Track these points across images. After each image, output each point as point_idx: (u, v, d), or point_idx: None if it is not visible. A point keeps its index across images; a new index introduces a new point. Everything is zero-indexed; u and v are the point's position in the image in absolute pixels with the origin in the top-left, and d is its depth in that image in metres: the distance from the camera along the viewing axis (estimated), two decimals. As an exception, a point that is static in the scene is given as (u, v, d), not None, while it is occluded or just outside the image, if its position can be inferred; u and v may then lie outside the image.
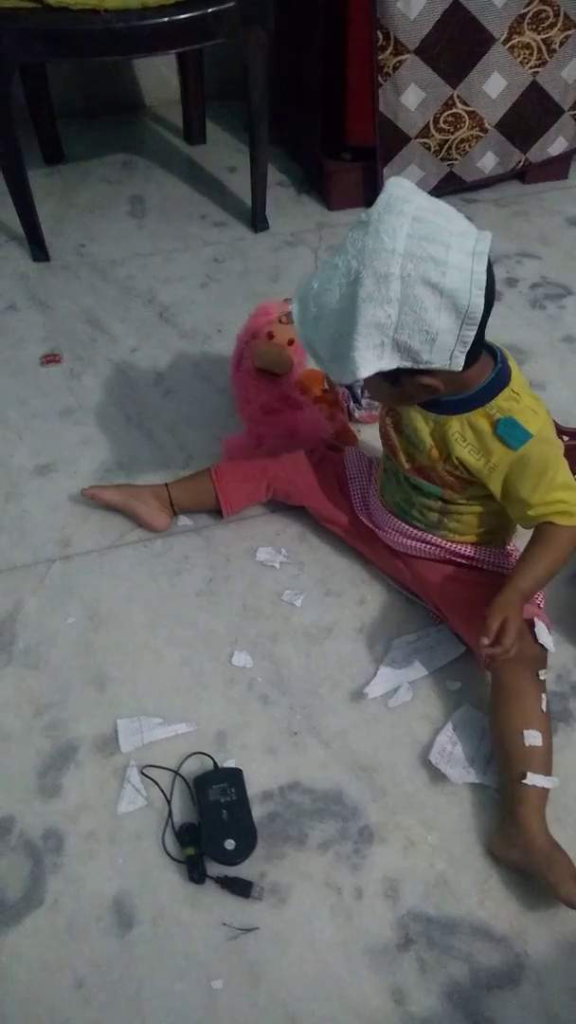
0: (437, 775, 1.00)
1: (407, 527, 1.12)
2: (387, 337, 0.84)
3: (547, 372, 1.56)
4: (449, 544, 1.10)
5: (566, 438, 1.29)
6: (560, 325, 1.68)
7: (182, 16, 1.52)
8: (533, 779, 0.91)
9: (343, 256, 0.85)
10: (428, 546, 1.11)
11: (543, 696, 0.97)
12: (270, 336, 1.27)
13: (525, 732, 0.93)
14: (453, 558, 1.11)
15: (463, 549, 1.10)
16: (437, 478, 1.03)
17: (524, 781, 0.91)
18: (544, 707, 0.96)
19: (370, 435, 1.36)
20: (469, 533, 1.09)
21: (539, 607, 1.06)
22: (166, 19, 1.51)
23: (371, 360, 0.85)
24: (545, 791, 0.92)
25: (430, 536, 1.10)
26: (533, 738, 0.93)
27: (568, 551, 0.97)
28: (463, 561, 1.11)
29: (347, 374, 0.87)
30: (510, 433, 0.94)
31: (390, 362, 0.86)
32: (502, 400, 0.94)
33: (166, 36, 1.55)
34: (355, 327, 0.83)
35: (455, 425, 0.97)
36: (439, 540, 1.10)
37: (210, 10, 1.54)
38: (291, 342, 1.27)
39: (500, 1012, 0.83)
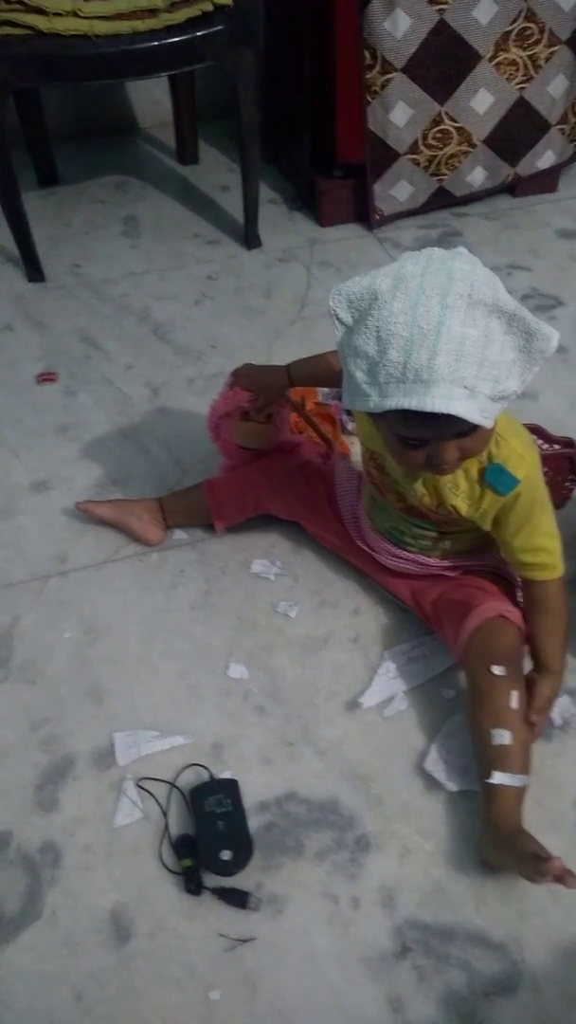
0: (432, 783, 1.00)
1: (400, 550, 1.12)
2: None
3: (538, 382, 1.54)
4: (445, 561, 1.10)
5: (557, 446, 1.30)
6: (551, 336, 1.69)
7: (172, 40, 1.54)
8: (499, 778, 0.91)
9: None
10: (422, 566, 1.12)
11: (514, 693, 0.95)
12: (245, 416, 1.20)
13: (493, 731, 0.93)
14: (447, 572, 1.12)
15: (459, 562, 1.10)
16: (431, 515, 1.04)
17: (489, 780, 0.91)
18: (515, 704, 0.95)
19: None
20: (465, 548, 1.09)
21: (513, 604, 1.05)
22: (156, 43, 1.53)
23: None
24: (520, 791, 0.92)
25: (423, 558, 1.11)
26: (501, 737, 0.93)
27: (563, 600, 1.00)
28: (456, 574, 1.11)
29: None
30: (497, 479, 0.94)
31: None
32: (491, 445, 0.94)
33: (157, 60, 1.57)
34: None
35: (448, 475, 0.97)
36: (434, 561, 1.11)
37: (199, 33, 1.56)
38: (269, 417, 1.21)
39: (498, 1019, 0.83)
